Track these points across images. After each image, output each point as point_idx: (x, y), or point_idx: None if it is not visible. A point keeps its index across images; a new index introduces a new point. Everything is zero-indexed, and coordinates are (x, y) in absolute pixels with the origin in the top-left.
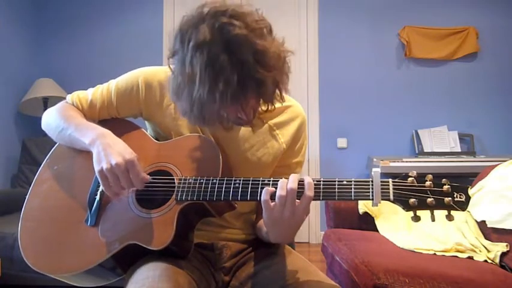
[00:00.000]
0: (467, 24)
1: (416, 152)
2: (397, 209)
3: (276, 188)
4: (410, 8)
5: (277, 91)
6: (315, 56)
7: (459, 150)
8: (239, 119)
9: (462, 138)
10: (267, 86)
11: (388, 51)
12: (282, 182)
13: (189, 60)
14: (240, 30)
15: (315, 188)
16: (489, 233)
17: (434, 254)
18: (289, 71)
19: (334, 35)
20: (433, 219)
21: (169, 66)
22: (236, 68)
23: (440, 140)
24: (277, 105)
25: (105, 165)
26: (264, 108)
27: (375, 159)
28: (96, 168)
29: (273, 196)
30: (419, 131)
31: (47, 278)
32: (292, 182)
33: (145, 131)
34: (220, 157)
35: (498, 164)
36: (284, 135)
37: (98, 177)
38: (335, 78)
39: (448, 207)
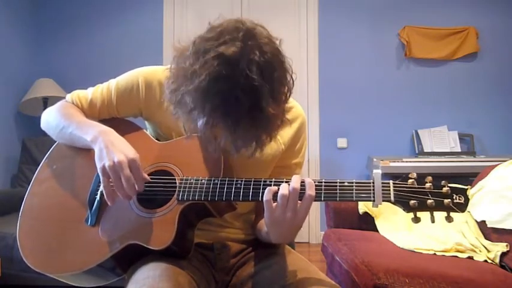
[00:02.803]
0: (467, 24)
1: (416, 152)
2: (397, 209)
3: (278, 187)
4: (410, 8)
5: (252, 144)
6: (315, 56)
7: (459, 150)
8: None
9: (462, 138)
10: (243, 137)
11: (388, 51)
12: (284, 184)
13: (203, 62)
14: (260, 81)
15: (316, 189)
16: (489, 233)
17: (434, 254)
18: (275, 136)
19: (334, 35)
20: (432, 221)
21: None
22: (230, 103)
23: (440, 140)
24: None
25: (107, 163)
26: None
27: (374, 159)
28: (98, 165)
29: (275, 196)
30: (419, 131)
31: (47, 278)
32: (294, 182)
33: (145, 131)
34: (222, 157)
35: (498, 164)
36: (283, 137)
37: (99, 174)
38: (335, 78)
39: (448, 209)
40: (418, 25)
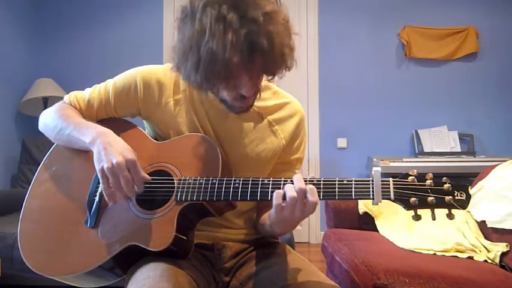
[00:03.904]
0: (467, 24)
1: (416, 152)
2: (397, 209)
3: (279, 188)
4: (410, 8)
5: (282, 63)
6: (315, 56)
7: (459, 150)
8: (240, 98)
9: (462, 138)
10: (274, 47)
11: (388, 51)
12: (290, 185)
13: (199, 17)
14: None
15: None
16: (489, 233)
17: (434, 254)
18: (294, 46)
19: (334, 35)
20: (433, 218)
21: (178, 27)
22: (245, 24)
23: (440, 140)
24: (276, 101)
25: (105, 164)
26: (265, 81)
27: (374, 159)
28: (97, 167)
29: (283, 197)
30: (419, 131)
31: (46, 278)
32: (298, 181)
33: (143, 131)
34: (220, 157)
35: (498, 164)
36: (283, 131)
37: (98, 176)
38: (335, 78)
39: (449, 206)
40: (418, 25)
